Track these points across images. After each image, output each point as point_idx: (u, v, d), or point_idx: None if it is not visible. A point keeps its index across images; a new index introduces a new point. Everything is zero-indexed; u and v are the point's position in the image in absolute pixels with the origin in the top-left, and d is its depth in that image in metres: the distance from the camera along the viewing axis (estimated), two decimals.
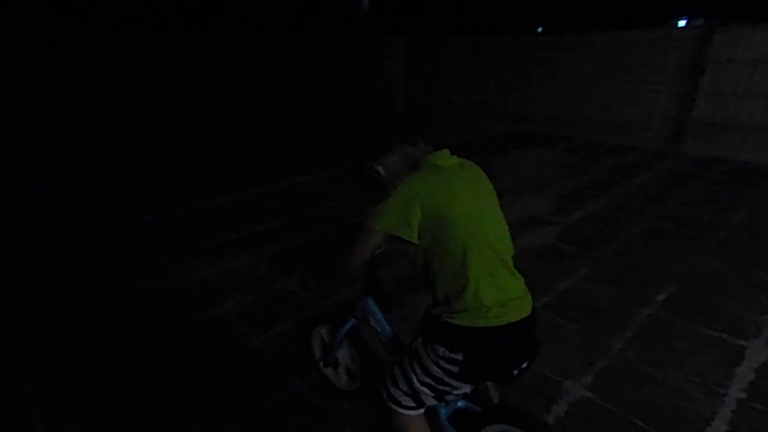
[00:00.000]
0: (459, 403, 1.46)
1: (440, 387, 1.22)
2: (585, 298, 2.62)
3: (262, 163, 5.59)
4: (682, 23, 12.07)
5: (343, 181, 4.82)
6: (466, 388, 1.26)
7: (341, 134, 7.26)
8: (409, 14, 8.97)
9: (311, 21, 11.51)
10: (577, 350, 2.19)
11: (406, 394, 1.27)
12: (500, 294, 1.14)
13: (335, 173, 5.10)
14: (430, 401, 1.28)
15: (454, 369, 1.17)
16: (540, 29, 7.28)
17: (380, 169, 1.26)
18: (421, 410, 1.32)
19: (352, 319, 1.64)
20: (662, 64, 5.72)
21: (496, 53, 7.44)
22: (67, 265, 3.03)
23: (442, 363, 1.18)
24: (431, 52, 8.34)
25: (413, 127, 1.31)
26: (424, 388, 1.24)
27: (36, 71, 11.08)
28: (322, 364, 1.89)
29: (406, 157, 1.25)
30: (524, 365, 1.19)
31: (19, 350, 2.21)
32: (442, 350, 1.17)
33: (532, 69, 7.03)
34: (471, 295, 1.13)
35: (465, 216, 1.14)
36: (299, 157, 5.87)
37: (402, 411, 1.30)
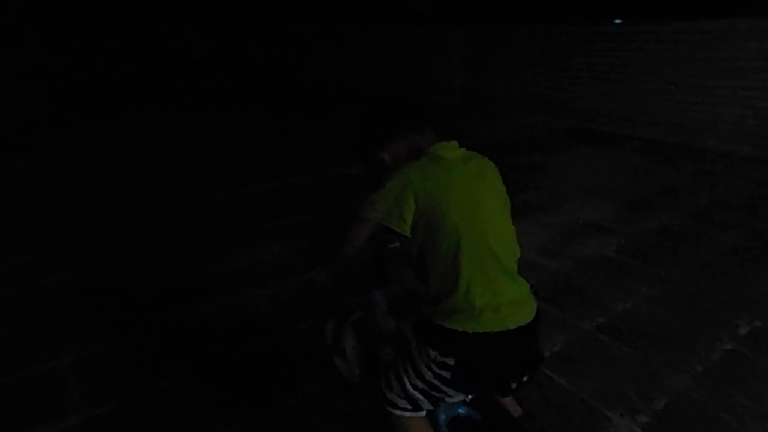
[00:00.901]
0: (460, 410, 1.39)
1: (434, 393, 1.14)
2: (647, 323, 2.30)
3: (310, 152, 5.57)
4: None
5: None
6: (461, 397, 1.19)
7: None
8: (471, 2, 8.58)
9: (369, 10, 11.40)
10: (632, 382, 1.91)
11: (400, 396, 1.20)
12: (494, 297, 1.07)
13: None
14: (427, 406, 1.20)
15: (447, 375, 1.09)
16: (618, 21, 6.64)
17: (385, 156, 1.23)
18: (421, 412, 1.23)
19: (359, 311, 1.63)
20: (762, 57, 5.00)
21: (563, 44, 6.92)
22: (113, 243, 3.14)
23: (434, 367, 1.10)
24: (492, 42, 7.93)
25: (421, 116, 1.26)
26: (416, 393, 1.16)
27: (113, 59, 11.90)
28: (329, 352, 1.87)
29: (411, 146, 1.21)
30: (525, 378, 1.13)
31: (64, 321, 2.29)
32: (433, 354, 1.10)
33: (605, 61, 6.46)
34: (461, 295, 1.07)
35: (461, 211, 1.08)
36: (345, 148, 5.78)
37: (398, 413, 1.22)
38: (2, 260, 2.87)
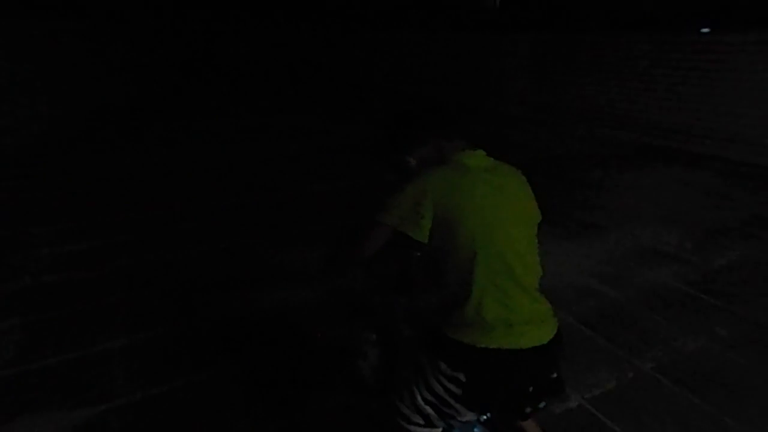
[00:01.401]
0: (475, 429, 1.34)
1: (444, 409, 1.11)
2: (719, 368, 2.03)
3: (366, 156, 5.59)
4: None
5: None
6: (472, 416, 1.15)
7: None
8: (538, 9, 8.25)
9: (434, 18, 11.34)
10: None
11: (411, 411, 1.17)
12: (508, 314, 1.04)
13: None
14: (439, 423, 1.17)
15: (457, 390, 1.06)
16: (705, 30, 6.09)
17: (411, 160, 1.22)
18: (436, 430, 1.19)
19: (381, 317, 1.61)
20: None
21: (636, 53, 6.46)
22: (171, 235, 3.30)
23: (444, 381, 1.07)
24: (557, 50, 7.57)
25: (450, 121, 1.24)
26: (427, 407, 1.13)
27: (187, 61, 12.76)
28: (350, 354, 1.82)
29: (438, 152, 1.19)
30: (541, 404, 1.08)
31: (119, 306, 2.42)
32: (444, 367, 1.07)
33: (683, 72, 5.94)
34: (473, 308, 1.04)
35: (479, 222, 1.05)
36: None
37: (410, 428, 1.18)
38: (68, 244, 3.10)
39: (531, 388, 1.06)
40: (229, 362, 2.03)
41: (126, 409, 1.77)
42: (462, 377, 1.04)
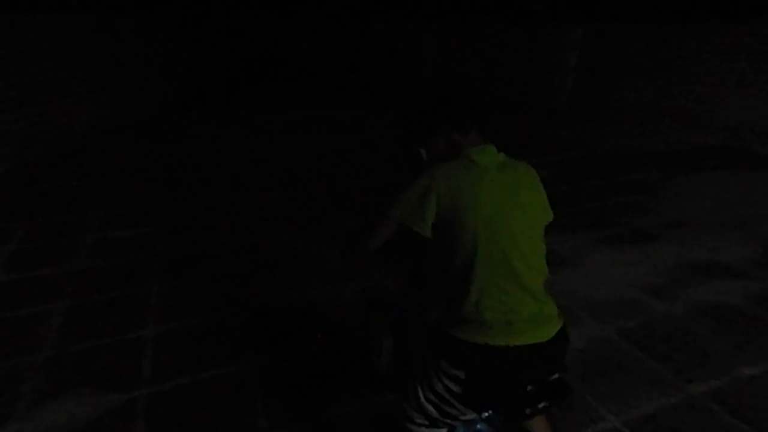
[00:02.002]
0: (479, 426, 1.35)
1: (445, 408, 1.11)
2: None
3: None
4: None
5: None
6: (472, 415, 1.14)
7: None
8: None
9: (483, 7, 10.99)
10: None
11: (415, 411, 1.17)
12: (507, 312, 1.04)
13: None
14: (441, 424, 1.17)
15: (457, 389, 1.06)
16: None
17: (423, 152, 1.22)
18: (440, 430, 1.19)
19: (398, 310, 1.60)
20: None
21: (701, 45, 5.95)
22: (209, 226, 3.37)
23: (445, 380, 1.08)
24: (615, 42, 7.12)
25: (468, 114, 1.19)
26: (429, 406, 1.14)
27: (237, 55, 13.12)
28: (369, 350, 1.84)
29: (452, 145, 1.17)
30: (541, 404, 1.06)
31: (152, 295, 2.49)
32: (444, 364, 1.08)
33: (758, 66, 5.41)
34: (471, 305, 1.05)
35: (483, 220, 1.04)
36: None
37: (414, 428, 1.19)
38: (113, 230, 3.23)
39: (529, 387, 1.05)
40: (258, 356, 2.03)
41: (156, 397, 1.80)
42: (462, 375, 1.04)
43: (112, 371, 1.94)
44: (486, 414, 1.25)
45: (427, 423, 1.16)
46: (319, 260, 2.89)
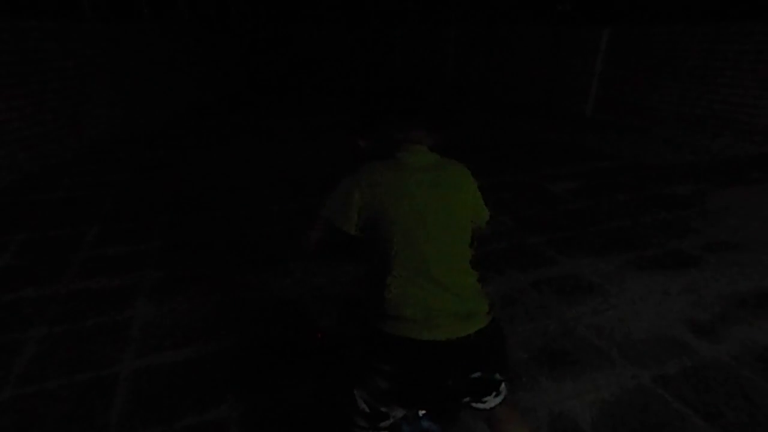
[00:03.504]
0: (423, 423, 1.39)
1: (378, 406, 1.13)
2: None
3: None
4: None
5: (486, 192, 4.12)
6: (401, 412, 1.17)
7: (500, 136, 6.51)
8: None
9: (505, 10, 10.67)
10: None
11: (355, 413, 1.17)
12: (426, 309, 1.06)
13: (479, 185, 4.42)
14: (380, 423, 1.16)
15: (385, 385, 1.08)
16: None
17: (362, 144, 1.24)
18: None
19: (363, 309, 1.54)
20: None
21: (744, 46, 5.51)
22: (207, 243, 3.18)
23: (375, 376, 1.10)
24: (644, 43, 6.71)
25: (414, 112, 1.22)
26: (364, 406, 1.15)
27: (257, 65, 13.18)
28: (343, 346, 1.85)
29: (390, 141, 1.19)
30: (465, 399, 1.13)
31: (132, 325, 2.29)
32: (373, 359, 1.10)
33: None
34: (392, 302, 1.08)
35: (402, 221, 1.08)
36: (456, 160, 5.32)
37: (355, 431, 1.19)
38: (99, 249, 3.07)
39: (450, 382, 1.08)
40: (244, 400, 1.80)
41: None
42: (387, 368, 1.07)
43: (79, 414, 1.74)
44: (422, 412, 1.29)
45: (366, 425, 1.16)
46: (321, 282, 2.65)
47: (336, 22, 16.95)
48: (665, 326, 2.26)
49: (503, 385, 1.18)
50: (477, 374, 1.10)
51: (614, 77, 7.24)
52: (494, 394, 1.16)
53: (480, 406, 1.17)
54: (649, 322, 2.30)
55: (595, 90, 7.58)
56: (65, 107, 5.09)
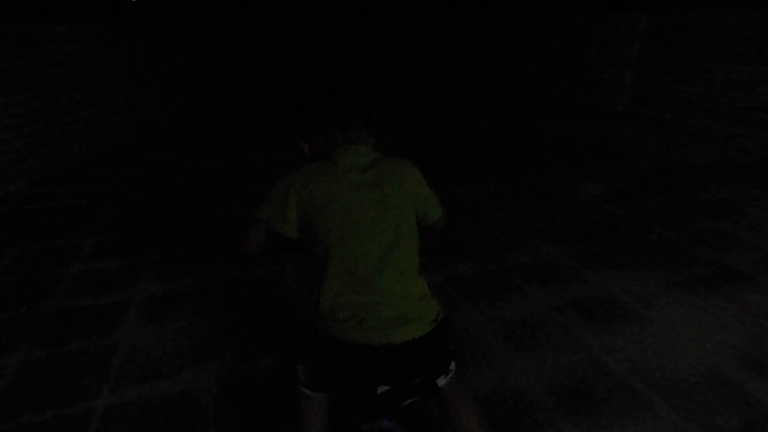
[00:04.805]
0: (384, 423, 1.41)
1: (315, 385, 1.18)
2: None
3: (430, 160, 4.95)
4: None
5: (504, 198, 3.79)
6: (321, 395, 1.19)
7: (521, 133, 6.13)
8: None
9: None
10: None
11: (295, 379, 1.22)
12: (360, 313, 1.05)
13: (496, 189, 4.09)
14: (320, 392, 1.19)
15: (320, 377, 1.14)
16: None
17: (305, 147, 1.24)
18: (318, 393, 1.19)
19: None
20: None
21: None
22: (201, 254, 3.00)
23: (314, 363, 1.16)
24: (686, 30, 6.19)
25: (351, 110, 1.19)
26: (303, 377, 1.20)
27: (276, 62, 13.07)
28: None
29: (330, 142, 1.18)
30: (407, 401, 1.14)
31: (116, 350, 2.12)
32: (314, 352, 1.15)
33: None
34: (327, 305, 1.08)
35: (334, 222, 1.07)
36: (472, 161, 5.01)
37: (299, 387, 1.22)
38: (93, 262, 2.93)
39: (381, 389, 1.08)
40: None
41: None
42: (324, 365, 1.12)
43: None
44: (387, 420, 1.34)
45: (309, 393, 1.19)
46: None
47: (354, 18, 16.72)
48: (717, 363, 1.93)
49: (452, 364, 1.18)
50: (417, 380, 1.10)
51: (652, 67, 6.73)
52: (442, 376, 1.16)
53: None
54: (695, 357, 1.97)
55: (629, 81, 7.08)
56: (74, 112, 5.03)
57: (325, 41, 16.03)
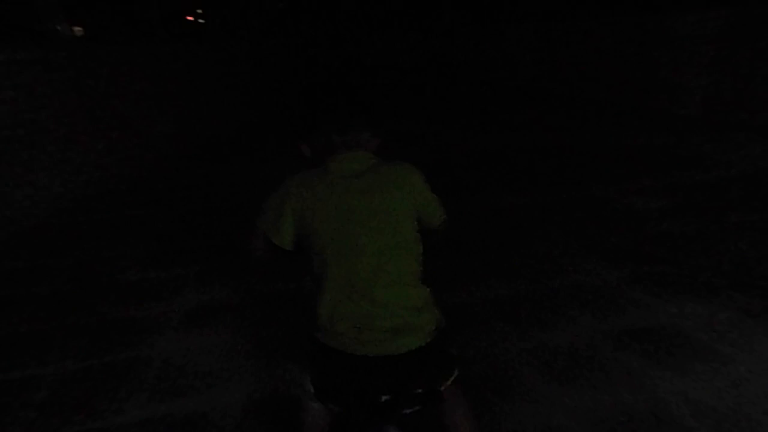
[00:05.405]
0: (387, 428, 1.31)
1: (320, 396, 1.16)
2: None
3: (468, 172, 4.72)
4: None
5: (553, 211, 3.52)
6: (321, 406, 1.17)
7: (575, 141, 5.73)
8: None
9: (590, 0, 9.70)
10: None
11: (303, 389, 1.22)
12: (358, 324, 1.03)
13: (544, 201, 3.81)
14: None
15: (321, 387, 1.13)
16: None
17: (305, 149, 1.21)
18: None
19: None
20: None
21: None
22: (240, 267, 3.01)
23: (315, 373, 1.14)
24: (761, 31, 5.57)
25: (351, 113, 1.17)
26: (309, 386, 1.18)
27: (318, 73, 13.37)
28: None
29: (329, 146, 1.15)
30: (409, 410, 1.09)
31: (149, 367, 2.14)
32: (314, 363, 1.14)
33: None
34: (325, 316, 1.06)
35: (332, 233, 1.05)
36: (520, 170, 4.74)
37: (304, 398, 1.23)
38: (137, 272, 3.02)
39: (384, 398, 1.06)
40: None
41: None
42: (323, 376, 1.11)
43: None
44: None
45: (315, 404, 1.18)
46: None
47: (404, 26, 16.78)
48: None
49: (455, 371, 1.15)
50: (419, 390, 1.08)
51: (728, 69, 6.12)
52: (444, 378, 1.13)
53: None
54: (763, 401, 1.67)
55: (704, 85, 6.48)
56: (125, 127, 5.32)
57: (369, 57, 16.22)
